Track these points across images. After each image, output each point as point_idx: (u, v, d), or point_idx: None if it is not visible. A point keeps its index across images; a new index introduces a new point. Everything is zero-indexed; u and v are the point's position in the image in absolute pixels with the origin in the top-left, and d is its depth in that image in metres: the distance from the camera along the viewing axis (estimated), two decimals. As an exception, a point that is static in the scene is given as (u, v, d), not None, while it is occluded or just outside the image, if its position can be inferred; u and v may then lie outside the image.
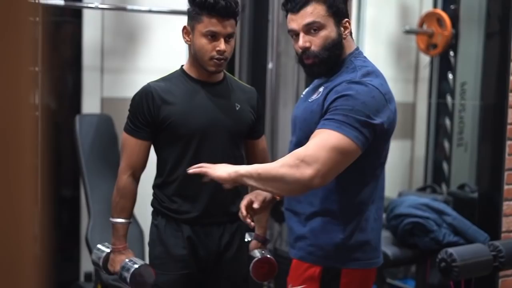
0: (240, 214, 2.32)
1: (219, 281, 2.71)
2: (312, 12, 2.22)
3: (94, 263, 2.73)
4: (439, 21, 5.06)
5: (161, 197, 2.64)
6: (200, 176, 2.29)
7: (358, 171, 2.20)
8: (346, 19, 2.27)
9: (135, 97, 2.60)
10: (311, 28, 2.22)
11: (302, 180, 2.04)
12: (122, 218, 2.62)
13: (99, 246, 2.73)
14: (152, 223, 2.69)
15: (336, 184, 2.20)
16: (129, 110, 2.60)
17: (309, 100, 2.28)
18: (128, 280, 2.53)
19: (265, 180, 2.11)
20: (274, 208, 4.19)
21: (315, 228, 2.29)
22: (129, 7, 4.24)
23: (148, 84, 2.60)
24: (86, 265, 4.44)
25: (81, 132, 4.08)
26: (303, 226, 2.32)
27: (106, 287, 3.87)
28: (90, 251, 3.89)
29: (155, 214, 2.69)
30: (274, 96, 4.24)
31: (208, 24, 2.48)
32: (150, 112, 2.54)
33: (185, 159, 2.57)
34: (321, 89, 2.25)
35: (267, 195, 2.37)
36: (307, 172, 2.03)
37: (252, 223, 2.33)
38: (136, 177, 2.64)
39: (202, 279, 2.68)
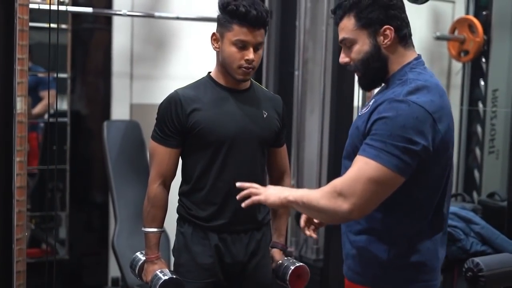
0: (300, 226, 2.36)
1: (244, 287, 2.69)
2: (343, 28, 2.15)
3: (132, 271, 2.73)
4: (471, 27, 5.01)
5: (188, 205, 2.62)
6: (230, 186, 2.37)
7: (405, 194, 2.08)
8: (386, 27, 2.11)
9: (162, 105, 2.58)
10: (345, 44, 2.17)
11: (340, 213, 2.01)
12: (154, 228, 2.60)
13: (137, 253, 2.71)
14: (178, 230, 2.67)
15: (381, 205, 2.08)
16: (157, 118, 2.58)
17: (359, 114, 2.19)
18: None
19: (308, 209, 2.12)
20: (300, 215, 4.19)
21: (361, 246, 2.20)
22: (157, 14, 4.27)
23: (176, 91, 2.58)
24: (114, 270, 4.48)
25: (109, 138, 4.11)
26: (350, 242, 2.25)
27: (131, 293, 3.89)
28: (116, 256, 3.92)
29: (181, 221, 2.67)
30: (301, 103, 4.23)
31: (239, 33, 2.47)
32: (179, 120, 2.53)
33: (214, 166, 2.56)
34: (371, 103, 2.14)
35: None
36: (344, 206, 2.00)
37: (314, 235, 2.35)
38: (166, 185, 2.61)
39: (228, 286, 2.67)
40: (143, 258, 2.65)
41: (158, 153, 2.57)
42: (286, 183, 2.79)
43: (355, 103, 3.84)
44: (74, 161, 4.76)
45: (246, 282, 2.67)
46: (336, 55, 3.86)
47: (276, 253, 2.77)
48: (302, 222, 2.35)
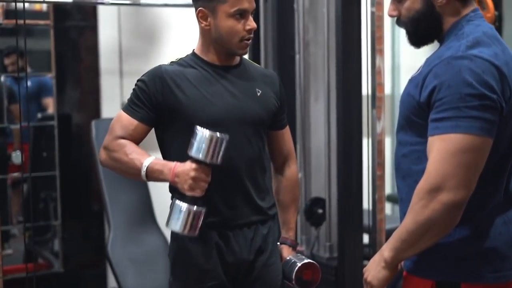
0: None
1: (251, 290, 2.50)
2: None
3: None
4: (481, 3, 4.79)
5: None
6: (222, 175, 2.19)
7: None
8: None
9: (144, 78, 2.33)
10: None
11: (448, 208, 1.75)
12: (146, 158, 2.23)
13: (176, 203, 2.17)
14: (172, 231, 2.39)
15: None
16: (134, 89, 2.34)
17: (410, 78, 1.97)
18: None
19: (414, 240, 1.82)
20: (309, 210, 3.95)
21: None
22: (143, 1, 4.03)
23: (160, 66, 2.36)
24: (113, 281, 4.22)
25: (98, 138, 3.91)
26: None
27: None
28: (111, 266, 3.73)
29: None
30: (304, 89, 3.97)
31: (236, 2, 2.29)
32: (160, 95, 2.29)
33: None
34: (422, 63, 1.94)
35: None
36: (445, 197, 1.74)
37: None
38: None
39: (234, 289, 2.46)
40: (180, 203, 2.18)
41: (122, 120, 2.33)
42: (291, 170, 2.56)
43: (364, 91, 3.57)
44: (65, 166, 4.56)
45: (254, 283, 2.43)
46: (340, 36, 3.62)
47: (285, 250, 2.52)
48: None
